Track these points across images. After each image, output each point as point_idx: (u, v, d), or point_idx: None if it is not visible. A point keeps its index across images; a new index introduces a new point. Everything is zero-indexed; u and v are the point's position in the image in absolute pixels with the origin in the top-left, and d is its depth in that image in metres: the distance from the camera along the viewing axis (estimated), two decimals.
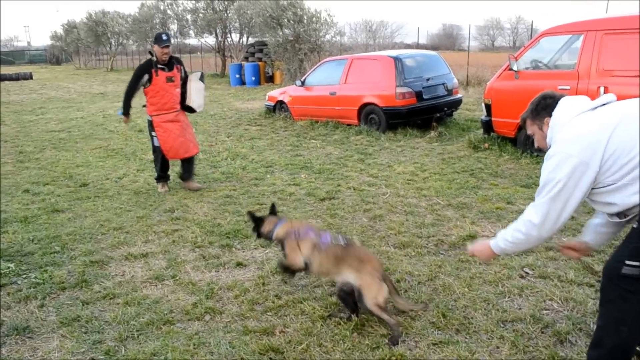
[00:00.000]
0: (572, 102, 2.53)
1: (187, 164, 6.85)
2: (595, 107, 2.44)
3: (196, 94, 6.72)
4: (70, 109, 15.92)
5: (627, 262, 2.31)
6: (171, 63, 6.51)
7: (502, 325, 3.34)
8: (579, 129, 2.37)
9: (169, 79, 6.47)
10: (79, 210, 6.07)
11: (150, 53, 6.53)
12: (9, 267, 4.47)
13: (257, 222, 3.68)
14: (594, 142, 2.28)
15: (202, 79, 6.86)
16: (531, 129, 2.71)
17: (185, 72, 6.75)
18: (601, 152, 2.26)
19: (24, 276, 4.32)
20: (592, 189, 2.37)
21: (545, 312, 3.50)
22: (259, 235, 3.72)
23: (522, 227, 2.54)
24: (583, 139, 2.32)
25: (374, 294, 3.19)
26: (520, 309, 3.54)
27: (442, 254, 4.53)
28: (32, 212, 6.00)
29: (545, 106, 2.60)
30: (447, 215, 5.48)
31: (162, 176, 6.86)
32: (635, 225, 2.36)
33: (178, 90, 6.61)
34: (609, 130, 2.28)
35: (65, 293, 4.03)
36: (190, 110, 6.79)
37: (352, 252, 3.38)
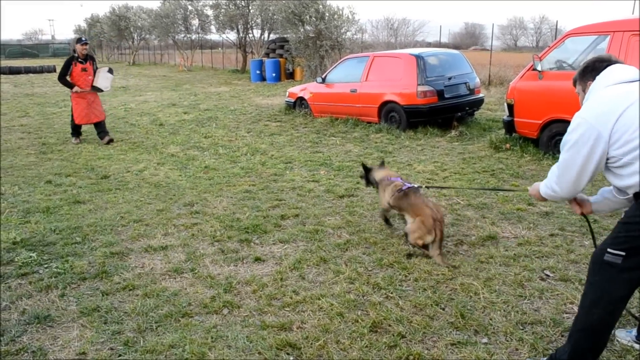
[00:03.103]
0: (615, 71, 2.58)
1: (97, 127, 9.79)
2: (632, 81, 2.49)
3: (103, 80, 9.61)
4: None
5: (609, 249, 2.46)
6: (87, 58, 9.54)
7: (521, 328, 3.30)
8: (603, 98, 2.46)
9: (83, 69, 9.46)
10: (100, 202, 6.13)
11: (74, 50, 9.64)
12: (30, 257, 4.53)
13: (366, 170, 5.16)
14: (608, 112, 2.39)
15: (110, 71, 9.78)
16: (577, 89, 2.78)
17: (96, 65, 9.75)
18: (612, 123, 2.36)
19: (45, 266, 4.38)
20: (607, 163, 2.47)
21: (565, 315, 3.45)
22: (367, 181, 5.19)
23: (548, 182, 2.72)
24: (601, 107, 2.42)
25: (414, 237, 4.37)
26: (540, 311, 3.50)
27: (461, 253, 4.49)
28: (54, 203, 6.08)
29: (593, 69, 2.66)
30: (467, 215, 5.43)
31: (75, 134, 9.89)
32: (622, 216, 2.51)
33: (90, 77, 9.55)
34: (626, 104, 2.37)
35: (86, 283, 4.07)
36: (98, 90, 9.65)
37: (415, 201, 4.53)
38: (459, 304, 3.60)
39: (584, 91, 2.68)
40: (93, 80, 9.57)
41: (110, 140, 9.69)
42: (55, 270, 4.28)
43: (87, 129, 10.17)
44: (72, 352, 3.20)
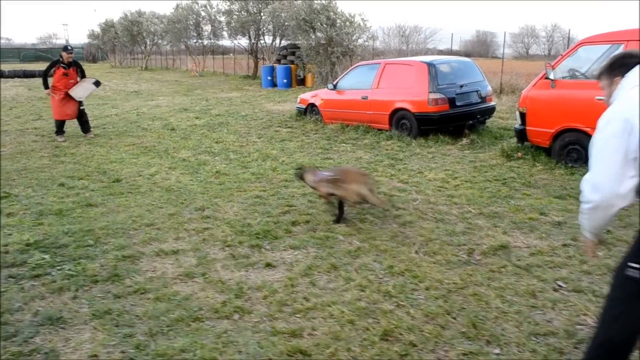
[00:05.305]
0: None
1: (80, 124, 10.88)
2: None
3: (80, 89, 10.64)
4: (105, 106, 16.22)
5: (630, 264, 2.34)
6: (70, 64, 10.61)
7: (534, 339, 3.28)
8: (635, 95, 2.34)
9: (65, 74, 10.50)
10: (112, 205, 6.17)
11: (60, 56, 10.68)
12: (43, 258, 4.57)
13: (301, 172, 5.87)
14: None
15: (95, 83, 10.97)
16: (602, 84, 2.66)
17: (82, 73, 10.84)
18: None
19: (58, 268, 4.41)
20: None
21: (579, 327, 3.42)
22: (302, 179, 5.85)
23: (584, 195, 2.39)
24: (632, 103, 2.30)
25: (354, 199, 5.23)
26: (553, 322, 3.47)
27: (473, 263, 4.47)
28: (66, 206, 6.13)
29: (622, 64, 2.55)
30: (479, 224, 5.41)
31: (58, 132, 10.63)
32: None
33: (72, 82, 10.59)
34: None
35: (98, 286, 4.10)
36: (71, 96, 10.50)
37: (340, 179, 5.32)
38: (471, 313, 3.58)
39: (610, 87, 2.59)
40: (73, 85, 10.60)
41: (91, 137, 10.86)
42: (67, 272, 4.31)
43: (100, 132, 10.24)
44: (84, 354, 3.22)
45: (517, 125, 8.35)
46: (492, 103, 10.94)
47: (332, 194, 5.46)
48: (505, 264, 4.38)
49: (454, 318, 3.55)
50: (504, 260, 4.45)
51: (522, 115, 8.10)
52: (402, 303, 3.75)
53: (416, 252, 4.66)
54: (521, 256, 4.56)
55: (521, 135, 8.23)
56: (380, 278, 4.17)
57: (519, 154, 8.16)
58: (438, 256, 4.59)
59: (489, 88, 10.89)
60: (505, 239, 4.97)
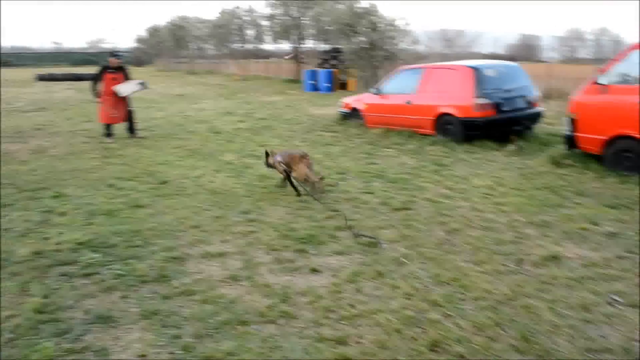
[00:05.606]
0: None
1: (128, 125, 11.26)
2: None
3: (124, 87, 10.98)
4: (151, 109, 16.58)
5: None
6: (118, 69, 11.09)
7: (588, 355, 3.16)
8: None
9: (113, 79, 10.91)
10: (159, 206, 6.28)
11: (107, 61, 11.21)
12: (94, 258, 4.68)
13: (267, 155, 7.08)
14: None
15: (141, 84, 11.27)
16: None
17: (127, 75, 11.26)
18: None
19: (107, 267, 4.51)
20: None
21: (636, 343, 3.28)
22: (267, 164, 7.08)
23: None
24: None
25: (302, 176, 6.63)
26: (608, 338, 3.34)
27: (522, 273, 4.35)
28: (115, 206, 6.27)
29: None
30: (528, 233, 5.27)
31: (107, 134, 11.05)
32: None
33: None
34: None
35: (146, 286, 4.16)
36: (115, 92, 10.89)
37: (291, 162, 6.75)
38: (522, 326, 3.48)
39: None
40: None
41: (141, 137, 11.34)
42: (117, 271, 4.40)
43: (147, 135, 10.45)
44: (133, 353, 3.28)
45: (566, 132, 8.13)
46: (539, 108, 10.69)
47: (287, 171, 6.79)
48: (556, 275, 4.25)
49: (504, 330, 3.45)
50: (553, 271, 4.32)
51: (572, 122, 7.88)
52: (449, 313, 3.68)
53: (464, 261, 4.58)
54: (573, 267, 4.42)
55: (570, 141, 8.01)
56: (427, 286, 4.10)
57: (569, 162, 7.91)
58: (486, 265, 4.48)
59: (536, 93, 10.64)
60: (556, 249, 4.83)
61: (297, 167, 6.67)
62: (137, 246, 4.99)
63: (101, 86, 10.97)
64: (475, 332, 3.42)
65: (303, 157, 6.78)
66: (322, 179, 6.86)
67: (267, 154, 7.10)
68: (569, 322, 3.53)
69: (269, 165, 7.05)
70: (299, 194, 6.65)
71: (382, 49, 21.32)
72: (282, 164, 6.83)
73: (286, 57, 33.64)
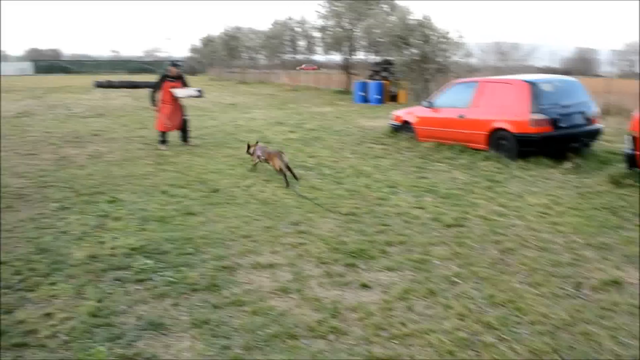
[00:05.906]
0: None
1: (182, 133, 11.70)
2: None
3: (182, 91, 11.31)
4: (204, 117, 16.90)
5: None
6: (177, 77, 11.38)
7: None
8: None
9: (172, 87, 11.18)
10: (210, 215, 6.36)
11: (167, 70, 11.46)
12: (147, 264, 4.76)
13: (248, 146, 9.13)
14: None
15: (199, 91, 11.52)
16: None
17: (186, 84, 11.57)
18: None
19: (160, 273, 4.57)
20: None
21: None
22: (249, 152, 9.09)
23: None
24: None
25: (278, 167, 8.08)
26: None
27: (581, 298, 4.16)
28: (168, 213, 6.38)
29: None
30: (586, 255, 5.04)
31: (162, 141, 11.33)
32: None
33: None
34: None
35: (197, 295, 4.20)
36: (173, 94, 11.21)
37: (268, 155, 8.50)
38: (581, 353, 3.32)
39: None
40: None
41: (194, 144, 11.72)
42: (169, 278, 4.45)
43: (200, 143, 10.60)
44: None
45: (626, 150, 7.79)
46: (599, 125, 10.30)
47: (266, 161, 8.57)
48: (617, 301, 4.04)
49: (562, 357, 3.30)
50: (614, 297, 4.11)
51: (633, 139, 7.56)
52: (504, 336, 3.54)
53: (519, 282, 4.41)
54: (636, 294, 4.19)
55: (631, 160, 7.68)
56: (481, 307, 3.97)
57: (630, 181, 7.57)
58: (543, 288, 4.31)
59: (595, 109, 10.27)
60: (617, 273, 4.60)
61: (274, 161, 8.24)
62: (189, 254, 5.05)
63: (160, 94, 11.25)
64: (532, 357, 3.29)
65: (277, 154, 8.31)
66: (289, 169, 8.17)
67: (248, 146, 9.14)
68: (632, 352, 3.35)
69: (248, 152, 9.09)
70: (287, 185, 7.80)
71: (434, 61, 21.13)
72: (260, 157, 8.69)
73: (299, 68, 33.87)
